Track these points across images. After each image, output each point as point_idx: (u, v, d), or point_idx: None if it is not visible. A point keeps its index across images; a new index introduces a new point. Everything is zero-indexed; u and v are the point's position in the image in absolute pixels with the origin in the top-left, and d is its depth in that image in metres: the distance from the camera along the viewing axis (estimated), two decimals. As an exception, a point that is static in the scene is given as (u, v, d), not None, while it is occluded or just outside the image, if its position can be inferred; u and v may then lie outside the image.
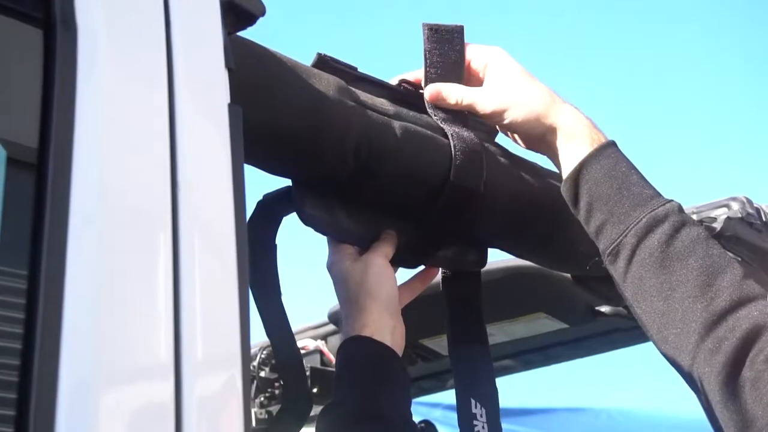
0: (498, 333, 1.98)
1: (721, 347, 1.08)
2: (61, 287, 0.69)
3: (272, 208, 1.24)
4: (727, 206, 1.68)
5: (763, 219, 1.71)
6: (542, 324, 1.99)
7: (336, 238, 1.27)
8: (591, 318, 1.90)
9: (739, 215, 1.66)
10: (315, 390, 2.09)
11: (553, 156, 1.27)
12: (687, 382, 1.14)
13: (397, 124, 1.20)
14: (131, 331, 0.73)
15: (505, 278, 1.77)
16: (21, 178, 0.73)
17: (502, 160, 1.33)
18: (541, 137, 1.26)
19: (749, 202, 1.70)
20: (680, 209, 1.20)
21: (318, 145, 1.13)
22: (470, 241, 1.39)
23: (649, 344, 1.21)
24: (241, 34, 1.02)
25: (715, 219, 1.65)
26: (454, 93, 1.30)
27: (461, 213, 1.27)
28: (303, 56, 1.16)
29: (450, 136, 1.25)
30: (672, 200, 1.20)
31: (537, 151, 1.31)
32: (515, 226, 1.37)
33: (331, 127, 1.13)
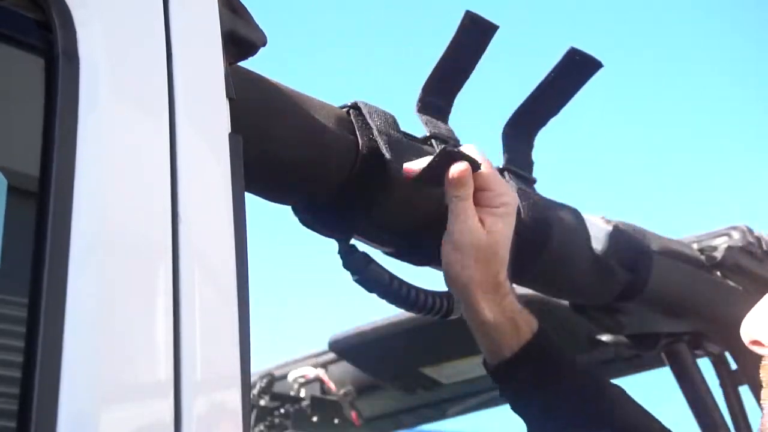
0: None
1: None
2: (62, 314, 0.70)
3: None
4: (728, 235, 1.68)
5: (764, 248, 1.71)
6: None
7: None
8: (591, 347, 1.89)
9: (740, 244, 1.67)
10: (315, 419, 2.08)
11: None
12: None
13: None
14: (132, 355, 0.73)
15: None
16: (22, 207, 0.74)
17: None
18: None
19: (750, 231, 1.70)
20: None
21: (318, 175, 1.13)
22: None
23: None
24: (243, 63, 1.02)
25: (715, 248, 1.66)
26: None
27: None
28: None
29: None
30: None
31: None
32: (515, 255, 1.36)
33: (332, 158, 1.12)
